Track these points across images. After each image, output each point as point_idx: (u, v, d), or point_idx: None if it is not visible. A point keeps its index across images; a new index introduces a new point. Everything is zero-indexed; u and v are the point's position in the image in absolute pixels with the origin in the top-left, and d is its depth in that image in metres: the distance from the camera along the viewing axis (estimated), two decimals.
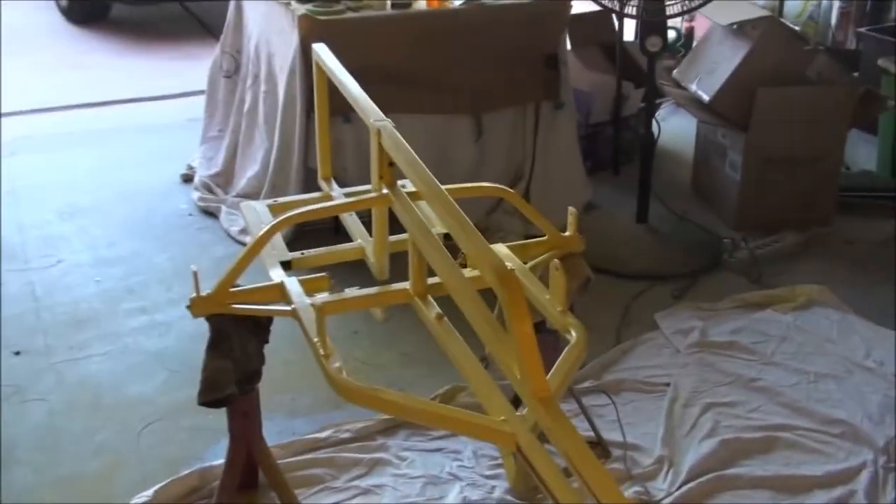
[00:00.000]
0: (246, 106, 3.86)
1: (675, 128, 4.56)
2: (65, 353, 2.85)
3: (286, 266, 2.05)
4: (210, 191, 3.93)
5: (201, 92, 4.29)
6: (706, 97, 3.69)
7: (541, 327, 2.06)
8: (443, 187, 1.94)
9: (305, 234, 3.32)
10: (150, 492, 2.20)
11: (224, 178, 3.96)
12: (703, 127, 3.98)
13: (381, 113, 2.00)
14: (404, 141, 1.87)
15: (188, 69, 5.60)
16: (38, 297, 3.17)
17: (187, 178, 4.14)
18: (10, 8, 7.07)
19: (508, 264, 1.98)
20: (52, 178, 4.19)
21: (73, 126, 4.87)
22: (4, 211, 3.81)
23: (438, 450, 2.48)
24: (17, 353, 2.84)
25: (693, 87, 3.82)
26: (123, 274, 3.34)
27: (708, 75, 3.75)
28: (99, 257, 3.47)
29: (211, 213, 3.82)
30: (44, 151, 4.50)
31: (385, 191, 1.94)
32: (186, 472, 2.29)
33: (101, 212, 3.86)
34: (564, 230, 2.06)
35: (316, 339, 1.70)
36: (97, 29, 6.91)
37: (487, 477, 2.39)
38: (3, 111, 4.88)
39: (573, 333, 1.78)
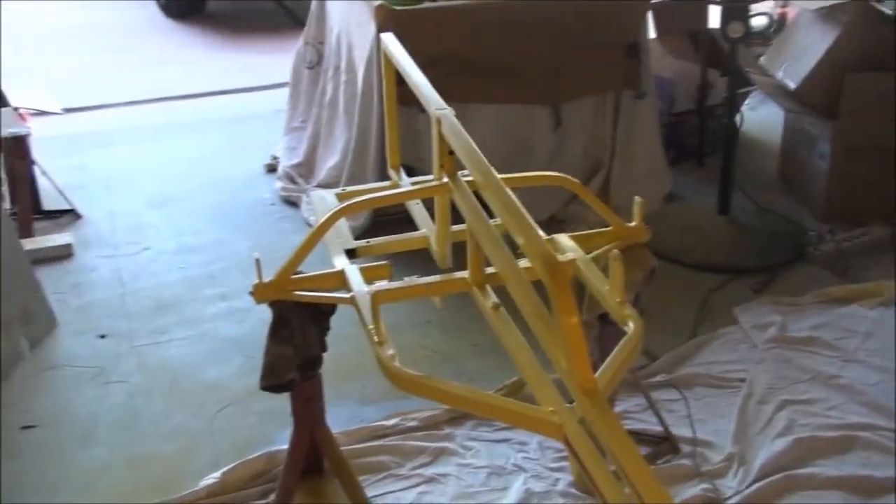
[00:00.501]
0: (327, 96, 3.91)
1: (763, 117, 4.43)
2: (146, 336, 2.95)
3: (351, 254, 2.08)
4: (292, 181, 4.00)
5: (286, 83, 4.36)
6: (792, 85, 3.58)
7: (606, 318, 2.04)
8: (501, 176, 1.94)
9: (380, 223, 3.36)
10: (217, 474, 2.26)
11: (306, 168, 4.03)
12: (790, 116, 3.86)
13: (442, 102, 2.00)
14: (463, 130, 1.87)
15: (279, 62, 5.70)
16: (124, 283, 3.29)
17: (271, 169, 4.23)
18: (114, 8, 7.35)
19: (570, 255, 1.98)
20: (143, 167, 4.33)
21: (165, 118, 5.03)
22: (98, 200, 3.96)
23: (504, 440, 2.47)
24: (103, 337, 2.95)
25: (780, 75, 3.70)
26: (206, 261, 3.44)
27: (795, 62, 3.63)
28: (183, 245, 3.58)
29: (292, 203, 3.89)
30: (137, 142, 4.66)
31: (445, 180, 1.95)
32: (254, 455, 2.34)
33: (188, 201, 3.97)
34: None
35: (371, 327, 1.71)
36: (193, 23, 7.13)
37: (552, 469, 2.37)
38: (100, 104, 5.06)
39: (630, 325, 1.75)
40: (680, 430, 2.48)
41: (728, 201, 3.50)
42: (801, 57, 3.60)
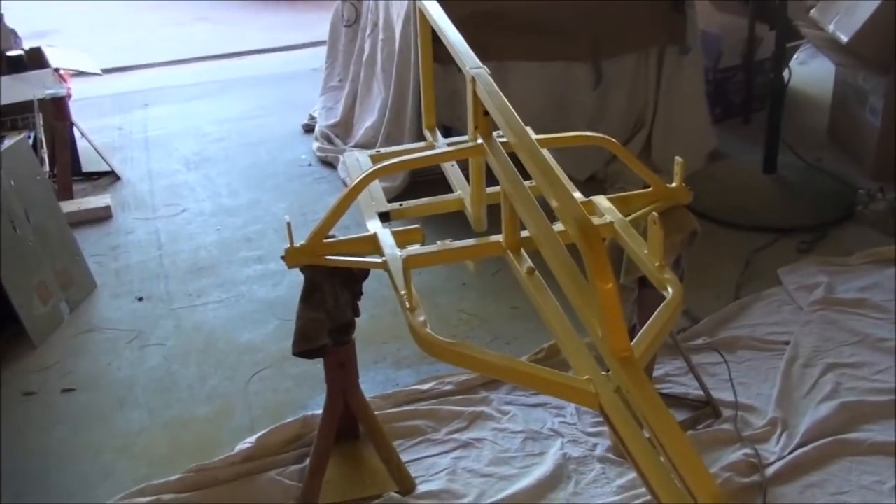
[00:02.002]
0: (365, 55, 3.86)
1: (813, 72, 4.30)
2: (183, 299, 2.95)
3: (385, 217, 2.04)
4: (329, 141, 3.97)
5: (325, 42, 4.32)
6: (845, 38, 3.44)
7: (645, 282, 1.99)
8: (536, 137, 1.88)
9: (418, 184, 3.32)
10: (252, 438, 2.26)
11: (343, 127, 3.99)
12: (841, 71, 3.72)
13: (477, 60, 1.94)
14: (498, 89, 1.81)
15: (318, 20, 5.65)
16: (161, 245, 3.29)
17: (308, 128, 4.20)
18: None
19: (608, 217, 1.92)
20: (181, 128, 4.33)
21: (203, 77, 5.02)
22: (137, 161, 3.97)
23: (541, 405, 2.44)
24: (140, 300, 2.96)
25: (831, 28, 3.56)
26: (242, 223, 3.43)
27: (847, 15, 3.49)
28: (220, 206, 3.57)
29: (329, 164, 3.86)
30: (175, 102, 4.66)
31: (480, 141, 1.89)
32: (290, 419, 2.33)
33: (225, 161, 3.97)
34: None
35: (403, 292, 1.68)
36: None
37: (589, 434, 2.34)
38: (138, 64, 5.06)
39: (669, 290, 1.69)
40: (721, 394, 2.43)
41: (774, 159, 3.41)
42: (853, 9, 3.46)
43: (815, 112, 4.02)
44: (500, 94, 1.79)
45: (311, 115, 4.27)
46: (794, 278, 2.92)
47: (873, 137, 3.48)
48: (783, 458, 2.23)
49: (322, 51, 4.37)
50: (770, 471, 2.19)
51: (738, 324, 2.75)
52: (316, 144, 3.99)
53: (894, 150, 3.44)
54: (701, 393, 2.42)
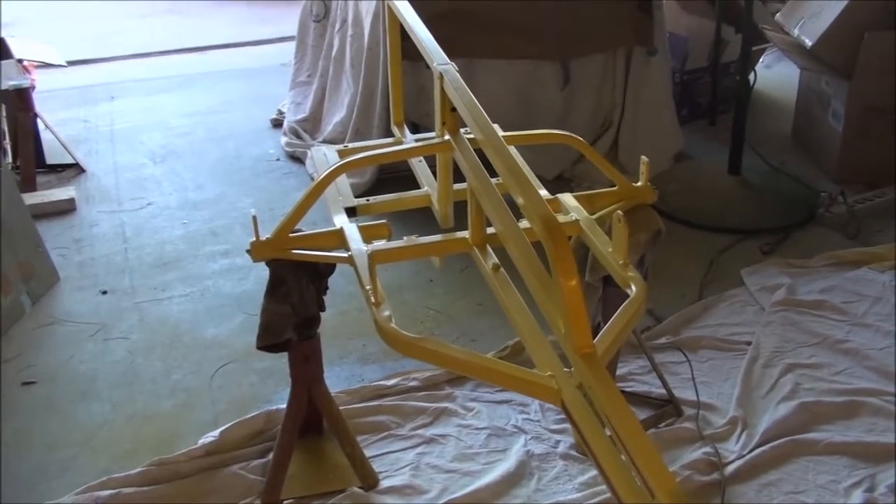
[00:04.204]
0: (334, 51, 3.85)
1: (778, 75, 4.35)
2: (148, 293, 2.93)
3: (352, 212, 2.04)
4: (298, 136, 3.96)
5: (294, 37, 4.30)
6: (809, 42, 3.49)
7: (610, 280, 2.00)
8: (503, 134, 1.89)
9: (385, 181, 3.32)
10: (216, 432, 2.25)
11: (312, 123, 3.98)
12: (806, 74, 3.77)
13: (445, 56, 1.95)
14: (465, 86, 1.82)
15: (286, 15, 5.63)
16: (126, 238, 3.26)
17: (277, 123, 4.18)
18: None
19: (573, 215, 1.94)
20: (147, 121, 4.29)
21: (169, 71, 4.98)
22: (102, 154, 3.93)
23: (505, 402, 2.45)
24: (104, 293, 2.93)
25: (796, 32, 3.61)
26: (209, 217, 3.41)
27: (812, 19, 3.54)
28: (186, 200, 3.55)
29: (297, 159, 3.85)
30: (141, 95, 4.61)
31: (447, 137, 1.90)
32: (253, 414, 2.32)
33: (192, 155, 3.94)
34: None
35: (368, 287, 1.68)
36: None
37: (553, 431, 2.35)
38: (103, 56, 5.01)
39: (633, 288, 1.71)
40: (683, 393, 2.45)
41: (739, 161, 3.44)
42: (818, 14, 3.51)
43: (779, 115, 4.07)
44: (468, 90, 1.80)
45: (279, 109, 4.25)
46: (757, 279, 2.96)
47: (835, 141, 3.53)
48: (742, 457, 2.25)
49: (291, 46, 4.35)
50: (729, 469, 2.22)
51: (701, 323, 2.78)
52: (284, 139, 3.98)
53: (856, 154, 3.50)
54: (663, 391, 2.45)
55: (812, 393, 2.45)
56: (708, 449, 2.27)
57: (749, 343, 2.67)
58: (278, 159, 3.89)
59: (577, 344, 1.39)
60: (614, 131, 3.65)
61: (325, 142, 3.72)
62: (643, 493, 1.20)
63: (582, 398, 1.42)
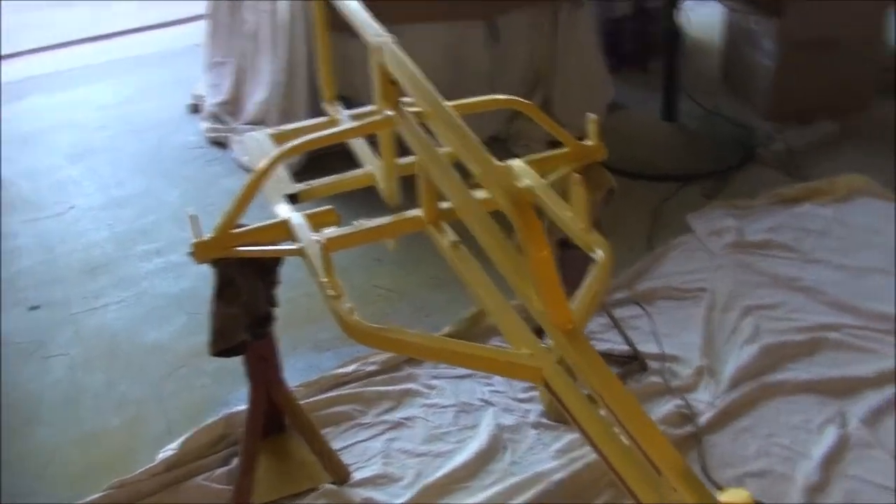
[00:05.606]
0: (247, 27, 3.69)
1: (703, 17, 4.31)
2: (81, 303, 2.77)
3: (293, 199, 1.94)
4: (219, 120, 3.80)
5: (204, 16, 4.11)
6: None
7: (566, 243, 1.95)
8: (449, 104, 1.80)
9: (318, 160, 3.20)
10: (174, 444, 2.14)
11: (232, 105, 3.83)
12: (732, 14, 3.75)
13: (379, 28, 1.85)
14: (406, 57, 1.73)
15: None
16: (51, 247, 3.08)
17: (195, 109, 4.01)
18: None
19: (527, 181, 1.87)
20: (59, 120, 4.07)
21: (76, 63, 4.72)
22: (15, 159, 3.71)
23: (468, 376, 2.38)
24: (35, 308, 2.77)
25: None
26: (136, 215, 3.25)
27: None
28: (110, 199, 3.37)
29: (221, 144, 3.70)
30: (49, 92, 4.37)
31: (389, 112, 1.81)
32: (212, 419, 2.22)
33: (110, 150, 3.75)
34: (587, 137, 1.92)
35: (324, 279, 1.59)
36: None
37: (521, 401, 2.30)
38: (3, 53, 4.75)
39: (598, 252, 1.65)
40: (646, 347, 2.43)
41: (674, 107, 3.41)
42: None
43: (707, 58, 4.04)
44: (409, 62, 1.71)
45: (195, 94, 4.07)
46: (703, 224, 2.94)
47: (767, 79, 3.52)
48: (713, 405, 2.24)
49: (202, 25, 4.16)
50: (702, 420, 2.20)
51: (654, 275, 2.75)
52: (205, 125, 3.82)
53: (789, 90, 3.49)
54: (627, 347, 2.42)
55: (773, 334, 2.44)
56: (678, 401, 2.25)
57: (704, 289, 2.65)
58: (201, 146, 3.72)
59: (558, 320, 1.33)
60: (546, 86, 3.59)
61: (248, 124, 3.58)
62: (649, 471, 1.14)
63: (565, 374, 1.36)
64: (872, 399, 2.24)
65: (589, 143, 1.94)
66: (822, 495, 2.00)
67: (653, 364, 2.39)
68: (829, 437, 2.13)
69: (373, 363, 2.42)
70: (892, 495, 1.99)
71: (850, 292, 2.58)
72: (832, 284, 2.62)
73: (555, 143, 1.99)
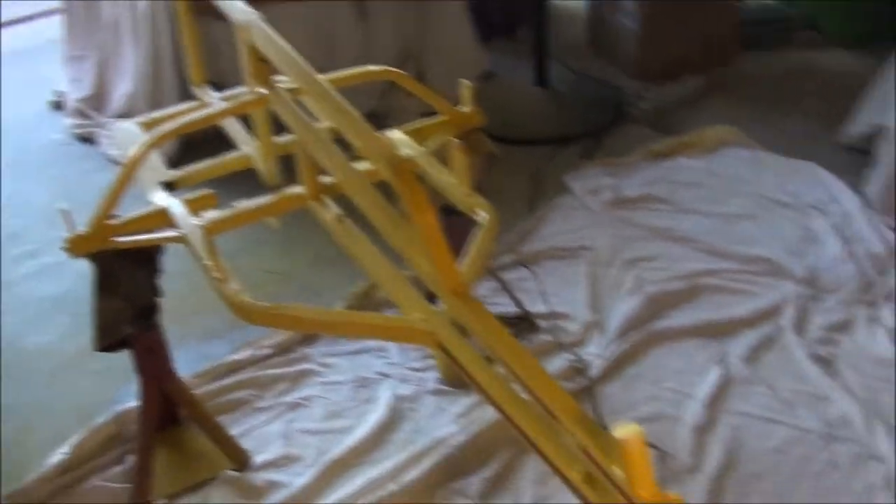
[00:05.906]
0: (108, 18, 3.57)
1: None
2: None
3: (170, 187, 1.89)
4: (84, 115, 3.66)
5: (57, 10, 3.95)
6: None
7: (448, 210, 1.96)
8: (324, 77, 1.79)
9: (193, 148, 3.12)
10: (66, 448, 2.07)
11: (97, 100, 3.69)
12: None
13: (244, 6, 1.82)
14: (274, 33, 1.70)
15: None
16: None
17: (57, 106, 3.85)
18: None
19: (407, 150, 1.87)
20: None
21: None
22: None
23: (363, 350, 2.38)
24: None
25: None
26: (4, 219, 3.10)
27: None
28: None
29: (88, 140, 3.57)
30: None
31: (262, 90, 1.78)
32: (102, 419, 2.16)
33: None
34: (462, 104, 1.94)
35: (208, 263, 1.56)
36: None
37: (417, 370, 2.32)
38: None
39: (482, 214, 1.68)
40: (535, 307, 2.47)
41: (545, 73, 3.47)
42: None
43: (574, 23, 4.11)
44: (278, 38, 1.69)
45: (56, 90, 3.91)
46: (581, 183, 3.01)
47: (632, 40, 3.60)
48: (603, 356, 2.31)
49: (57, 19, 3.99)
50: (594, 372, 2.27)
51: (537, 236, 2.80)
52: (69, 121, 3.68)
53: (652, 49, 3.59)
54: (516, 309, 2.46)
55: (654, 283, 2.53)
56: (570, 356, 2.31)
57: (586, 247, 2.72)
58: (68, 144, 3.58)
59: (449, 283, 1.35)
60: (417, 61, 3.59)
61: (115, 117, 3.47)
62: (546, 418, 1.17)
63: (459, 336, 1.38)
64: (750, 337, 2.35)
65: (464, 109, 1.96)
66: (710, 433, 2.09)
67: (543, 323, 2.44)
68: (713, 376, 2.23)
69: (266, 347, 2.40)
70: (775, 426, 2.10)
71: (723, 239, 2.70)
72: (707, 233, 2.73)
73: (431, 115, 2.00)
